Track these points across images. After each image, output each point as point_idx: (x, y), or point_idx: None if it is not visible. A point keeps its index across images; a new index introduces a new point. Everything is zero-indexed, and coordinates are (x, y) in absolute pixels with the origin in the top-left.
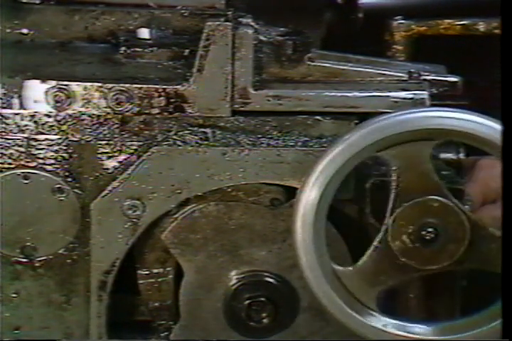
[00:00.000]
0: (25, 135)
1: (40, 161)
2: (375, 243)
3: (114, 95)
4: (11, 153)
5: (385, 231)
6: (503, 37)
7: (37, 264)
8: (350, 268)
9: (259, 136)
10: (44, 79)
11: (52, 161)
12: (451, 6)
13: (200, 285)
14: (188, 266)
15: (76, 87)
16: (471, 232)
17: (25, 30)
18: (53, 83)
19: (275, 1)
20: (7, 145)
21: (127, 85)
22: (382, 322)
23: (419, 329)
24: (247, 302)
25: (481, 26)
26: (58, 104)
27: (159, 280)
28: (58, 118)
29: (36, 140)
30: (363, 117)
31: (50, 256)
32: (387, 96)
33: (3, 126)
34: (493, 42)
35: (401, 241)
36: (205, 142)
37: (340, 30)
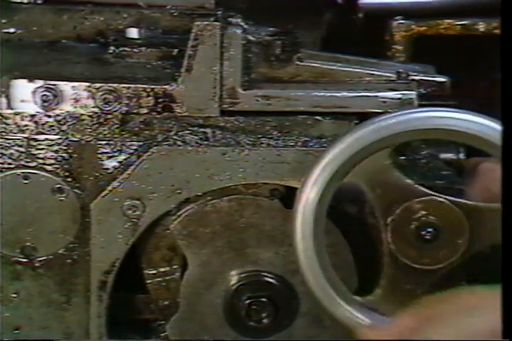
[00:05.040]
0: (25, 135)
1: (40, 161)
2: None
3: (102, 95)
4: (11, 153)
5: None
6: (503, 37)
7: (37, 264)
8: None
9: (259, 136)
10: (31, 79)
11: (52, 161)
12: (452, 7)
13: (203, 279)
14: (193, 258)
15: (64, 86)
16: (469, 228)
17: (12, 30)
18: (41, 83)
19: (275, 1)
20: (7, 145)
21: (115, 85)
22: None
23: None
24: (248, 301)
25: (481, 26)
26: (46, 104)
27: (167, 278)
28: (58, 118)
29: (36, 140)
30: (363, 117)
31: (50, 256)
32: (376, 96)
33: (3, 126)
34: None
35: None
36: (205, 142)
37: (340, 30)
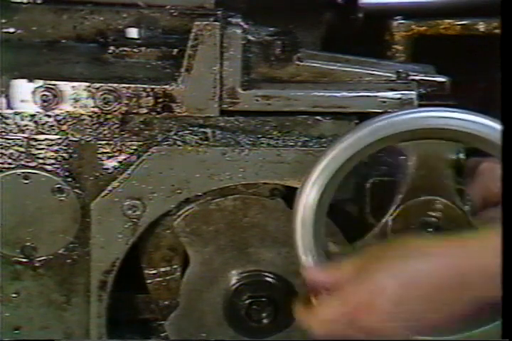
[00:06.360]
0: (25, 135)
1: (40, 161)
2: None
3: (101, 95)
4: (11, 153)
5: (384, 225)
6: (503, 37)
7: (37, 264)
8: None
9: (259, 136)
10: (31, 79)
11: (52, 161)
12: (451, 6)
13: (204, 277)
14: (195, 256)
15: (64, 86)
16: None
17: (12, 30)
18: (41, 82)
19: (275, 1)
20: (7, 145)
21: (115, 85)
22: None
23: None
24: (248, 301)
25: (481, 26)
26: (45, 104)
27: (167, 278)
28: (58, 118)
29: (36, 140)
30: (363, 117)
31: (50, 256)
32: (376, 96)
33: (3, 126)
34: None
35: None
36: (205, 142)
37: (341, 30)
